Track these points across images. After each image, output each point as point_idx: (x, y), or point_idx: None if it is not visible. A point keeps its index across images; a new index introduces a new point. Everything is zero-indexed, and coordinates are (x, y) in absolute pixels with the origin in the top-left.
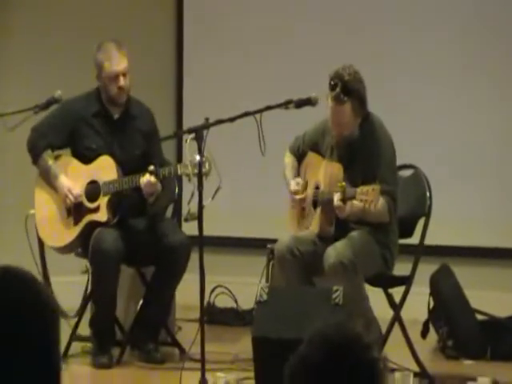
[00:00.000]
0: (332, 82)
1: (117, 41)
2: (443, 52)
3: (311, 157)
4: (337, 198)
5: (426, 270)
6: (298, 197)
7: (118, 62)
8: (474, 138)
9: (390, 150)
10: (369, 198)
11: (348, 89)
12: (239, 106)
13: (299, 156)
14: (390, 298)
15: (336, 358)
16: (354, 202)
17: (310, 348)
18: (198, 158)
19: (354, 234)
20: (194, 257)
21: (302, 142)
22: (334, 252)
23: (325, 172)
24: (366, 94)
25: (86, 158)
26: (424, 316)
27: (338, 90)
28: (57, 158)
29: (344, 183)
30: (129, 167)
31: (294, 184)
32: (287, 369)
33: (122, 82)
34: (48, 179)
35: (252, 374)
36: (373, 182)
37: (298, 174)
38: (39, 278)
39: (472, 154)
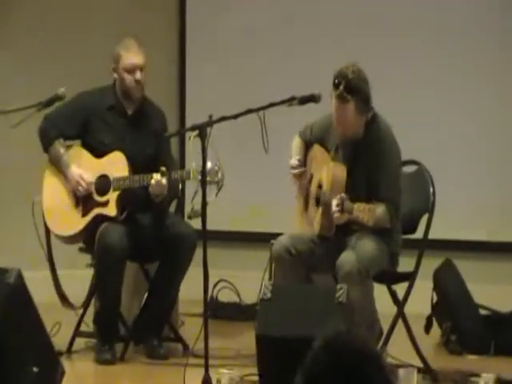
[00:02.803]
0: (336, 81)
1: (137, 38)
2: (444, 50)
3: (317, 150)
4: (334, 204)
5: (429, 264)
6: (295, 171)
7: (136, 55)
8: (476, 132)
9: (394, 155)
10: (365, 217)
11: (352, 87)
12: (242, 102)
13: (308, 144)
14: (393, 294)
15: (347, 372)
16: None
17: (319, 363)
18: (210, 165)
19: (360, 239)
20: (198, 252)
21: (310, 132)
22: (348, 261)
23: (328, 172)
24: (370, 93)
25: (97, 151)
26: (427, 310)
27: (341, 88)
28: (68, 147)
29: (343, 194)
30: (138, 165)
31: (295, 160)
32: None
33: (138, 75)
34: (59, 167)
35: (255, 370)
36: (375, 188)
37: (305, 156)
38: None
39: (475, 148)
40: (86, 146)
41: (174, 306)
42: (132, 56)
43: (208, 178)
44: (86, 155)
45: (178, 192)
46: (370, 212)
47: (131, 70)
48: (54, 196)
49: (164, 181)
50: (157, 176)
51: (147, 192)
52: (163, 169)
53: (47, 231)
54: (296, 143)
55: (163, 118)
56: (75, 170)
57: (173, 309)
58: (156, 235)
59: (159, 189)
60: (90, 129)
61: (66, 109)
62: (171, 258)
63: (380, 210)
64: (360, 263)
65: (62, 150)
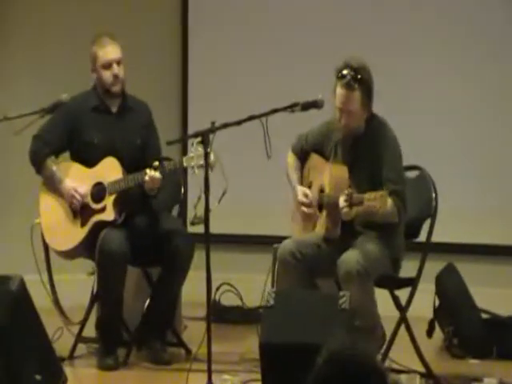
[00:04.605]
0: (343, 71)
1: (110, 33)
2: (444, 53)
3: (315, 159)
4: (342, 200)
5: (432, 267)
6: (306, 210)
7: (111, 50)
8: (477, 136)
9: (396, 149)
10: (376, 204)
11: (358, 76)
12: (245, 108)
13: (302, 156)
14: (396, 299)
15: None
16: (361, 207)
17: (324, 376)
18: (201, 149)
19: (364, 241)
20: (201, 254)
21: (305, 141)
22: (349, 260)
23: (330, 175)
24: (373, 87)
25: (87, 156)
26: (430, 313)
27: (348, 77)
28: (59, 164)
29: (351, 189)
30: (130, 158)
31: (302, 195)
32: None
33: (116, 69)
34: (52, 184)
35: (259, 376)
36: (379, 183)
37: (301, 176)
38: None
39: (477, 152)
40: (76, 155)
41: (175, 309)
42: (107, 52)
43: (200, 162)
44: (77, 167)
45: (179, 197)
46: (381, 198)
47: (108, 66)
48: (51, 214)
49: (158, 174)
50: (150, 171)
51: (142, 190)
52: (156, 163)
53: (46, 250)
54: (291, 162)
55: (148, 110)
56: (68, 185)
57: (175, 313)
58: (155, 242)
59: (154, 183)
60: (77, 133)
61: (51, 123)
62: (170, 267)
63: (387, 204)
64: (361, 264)
65: (54, 168)
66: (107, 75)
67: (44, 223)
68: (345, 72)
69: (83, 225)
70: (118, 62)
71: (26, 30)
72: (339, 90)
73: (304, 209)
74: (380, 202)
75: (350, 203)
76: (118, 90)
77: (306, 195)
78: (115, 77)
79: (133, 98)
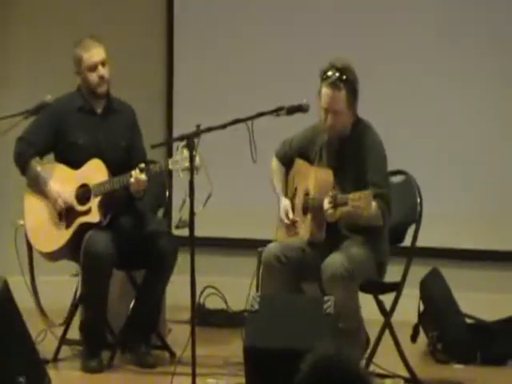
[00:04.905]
0: (327, 72)
1: (93, 35)
2: (431, 57)
3: (300, 164)
4: (327, 202)
5: (416, 272)
6: (287, 221)
7: (96, 52)
8: (463, 141)
9: (381, 153)
10: (361, 204)
11: (344, 77)
12: (230, 111)
13: (286, 161)
14: (380, 304)
15: None
16: (345, 207)
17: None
18: (186, 152)
19: (349, 245)
20: (185, 258)
21: (289, 147)
22: (333, 263)
23: (315, 178)
24: (358, 87)
25: (72, 157)
26: (414, 319)
27: (334, 77)
28: (44, 165)
29: (335, 191)
30: (115, 160)
31: (283, 213)
32: None
33: (101, 71)
34: (37, 185)
35: (243, 380)
36: (364, 186)
37: (286, 182)
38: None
39: (461, 156)
40: (61, 156)
41: (160, 312)
42: (92, 54)
43: (185, 164)
44: (63, 169)
45: (164, 199)
46: (366, 198)
47: (94, 68)
48: (36, 215)
49: (143, 176)
50: (135, 173)
51: (127, 192)
52: (142, 165)
53: (30, 250)
54: (275, 168)
55: (132, 112)
56: (53, 188)
57: (159, 315)
58: (140, 244)
59: (140, 185)
60: (62, 134)
61: (36, 124)
62: (154, 269)
63: (372, 206)
64: (345, 267)
65: (38, 169)
66: (93, 77)
67: (28, 224)
68: (330, 73)
69: (68, 226)
70: (103, 63)
71: (19, 37)
72: (325, 90)
73: (286, 221)
74: (364, 201)
75: (335, 204)
76: (103, 90)
77: (287, 214)
78: (101, 78)
79: (118, 100)
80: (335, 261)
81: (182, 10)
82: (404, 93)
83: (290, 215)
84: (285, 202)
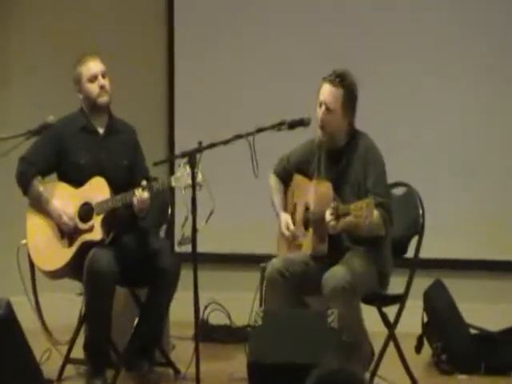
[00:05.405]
0: (329, 75)
1: (92, 52)
2: (431, 58)
3: (298, 180)
4: (328, 214)
5: (419, 283)
6: (287, 233)
7: (94, 64)
8: (465, 152)
9: (381, 163)
10: (363, 214)
11: (343, 78)
12: (232, 127)
13: (284, 177)
14: (384, 316)
15: None
16: (348, 218)
17: None
18: (189, 168)
19: (350, 256)
20: (188, 274)
21: (287, 162)
22: (334, 276)
23: (314, 192)
24: (356, 97)
25: (75, 176)
26: (418, 329)
27: (333, 76)
28: (46, 184)
29: (336, 202)
30: (117, 179)
31: (284, 226)
32: None
33: (101, 80)
34: (39, 205)
35: None
36: (364, 197)
37: (285, 199)
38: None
39: (464, 167)
40: (63, 175)
41: (163, 329)
42: (91, 66)
43: (188, 181)
44: (65, 187)
45: (166, 215)
46: (368, 206)
47: (94, 79)
48: (38, 235)
49: (146, 194)
50: (138, 191)
51: (130, 211)
52: (144, 183)
53: (32, 269)
54: (274, 185)
55: (134, 132)
56: (56, 207)
57: (163, 332)
58: (143, 262)
59: (143, 203)
60: (64, 155)
61: (38, 144)
62: (157, 288)
63: (374, 215)
64: (346, 280)
65: (40, 188)
66: (93, 88)
67: (31, 243)
68: (331, 74)
69: (70, 245)
70: (103, 75)
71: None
72: (323, 86)
73: (287, 235)
74: (366, 210)
75: (337, 215)
76: (105, 101)
77: (287, 226)
78: (101, 88)
79: (121, 121)
80: (336, 274)
81: (183, 28)
82: (404, 93)
83: (291, 227)
84: (284, 216)
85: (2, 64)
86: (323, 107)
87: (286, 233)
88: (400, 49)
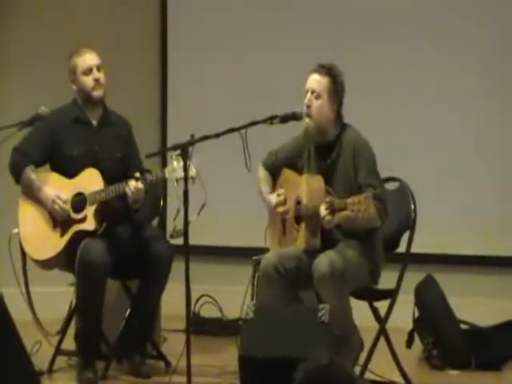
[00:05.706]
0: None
1: (87, 45)
2: (431, 58)
3: (287, 173)
4: (323, 208)
5: (411, 278)
6: (280, 209)
7: (90, 57)
8: (457, 147)
9: (371, 154)
10: (361, 208)
11: (330, 68)
12: (224, 121)
13: (273, 171)
14: (375, 311)
15: None
16: (343, 212)
17: None
18: (182, 161)
19: (343, 246)
20: (180, 266)
21: (276, 157)
22: (325, 260)
23: (306, 186)
24: (344, 87)
25: (67, 168)
26: (409, 325)
27: (319, 67)
28: (39, 174)
29: (332, 197)
30: (111, 171)
31: (276, 196)
32: None
33: (96, 74)
34: (32, 193)
35: None
36: (355, 189)
37: (273, 190)
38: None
39: (456, 163)
40: (56, 167)
41: (155, 321)
42: (86, 59)
43: (182, 173)
44: (57, 178)
45: (158, 207)
46: (366, 200)
47: (89, 72)
48: (30, 224)
49: (140, 185)
50: (131, 182)
51: (124, 202)
52: (137, 174)
53: (24, 260)
54: (262, 176)
55: (128, 124)
56: (49, 191)
57: (154, 325)
58: (135, 253)
59: (137, 194)
60: (57, 146)
61: (33, 134)
62: (148, 277)
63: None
64: (335, 264)
65: (32, 176)
66: (88, 80)
67: (23, 232)
68: (316, 65)
69: (63, 234)
70: (98, 68)
71: (15, 47)
72: (309, 76)
73: (279, 209)
74: (365, 204)
75: (332, 210)
76: (99, 95)
77: (278, 195)
78: (96, 81)
79: (115, 113)
80: (326, 258)
81: (175, 23)
82: (403, 95)
83: (282, 191)
84: (271, 196)
85: (2, 64)
86: (309, 93)
87: (278, 199)
88: (400, 48)
